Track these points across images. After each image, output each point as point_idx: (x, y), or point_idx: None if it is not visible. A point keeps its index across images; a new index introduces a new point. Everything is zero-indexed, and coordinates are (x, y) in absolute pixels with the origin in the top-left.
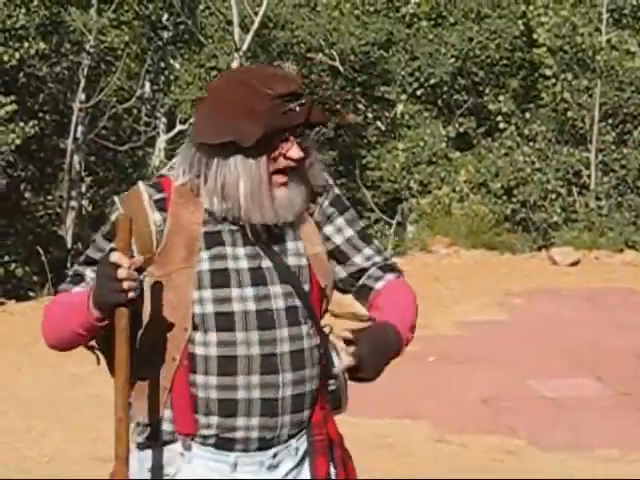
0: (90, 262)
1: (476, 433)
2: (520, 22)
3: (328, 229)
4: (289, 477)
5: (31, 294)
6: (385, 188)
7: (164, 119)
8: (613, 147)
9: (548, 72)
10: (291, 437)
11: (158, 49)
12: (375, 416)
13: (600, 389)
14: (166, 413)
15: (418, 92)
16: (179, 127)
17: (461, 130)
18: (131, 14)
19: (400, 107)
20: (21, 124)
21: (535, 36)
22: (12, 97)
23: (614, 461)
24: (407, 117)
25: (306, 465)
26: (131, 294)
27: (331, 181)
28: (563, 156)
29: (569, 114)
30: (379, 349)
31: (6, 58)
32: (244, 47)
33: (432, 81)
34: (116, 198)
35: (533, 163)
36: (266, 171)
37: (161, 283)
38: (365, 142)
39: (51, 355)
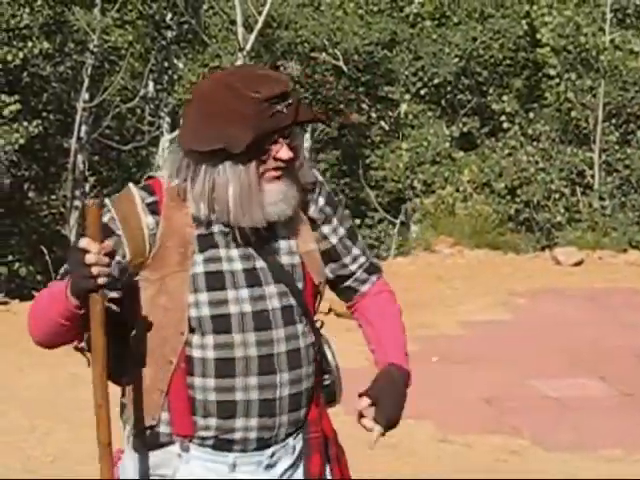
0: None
1: (480, 433)
2: (524, 22)
3: (326, 228)
4: (286, 475)
5: (35, 293)
6: (389, 188)
7: (168, 119)
8: (617, 147)
9: (552, 72)
10: (288, 436)
11: (162, 49)
12: None
13: (604, 389)
14: (163, 415)
15: (422, 92)
16: None
17: (465, 130)
18: (135, 14)
19: (404, 107)
20: (25, 123)
21: (539, 36)
22: (16, 97)
23: (617, 461)
24: (411, 117)
25: (302, 463)
26: (102, 280)
27: (320, 178)
28: (567, 156)
29: (573, 114)
30: (397, 400)
31: (10, 58)
32: (248, 47)
33: (436, 81)
34: (107, 200)
35: (537, 163)
36: (255, 175)
37: (155, 287)
38: (369, 142)
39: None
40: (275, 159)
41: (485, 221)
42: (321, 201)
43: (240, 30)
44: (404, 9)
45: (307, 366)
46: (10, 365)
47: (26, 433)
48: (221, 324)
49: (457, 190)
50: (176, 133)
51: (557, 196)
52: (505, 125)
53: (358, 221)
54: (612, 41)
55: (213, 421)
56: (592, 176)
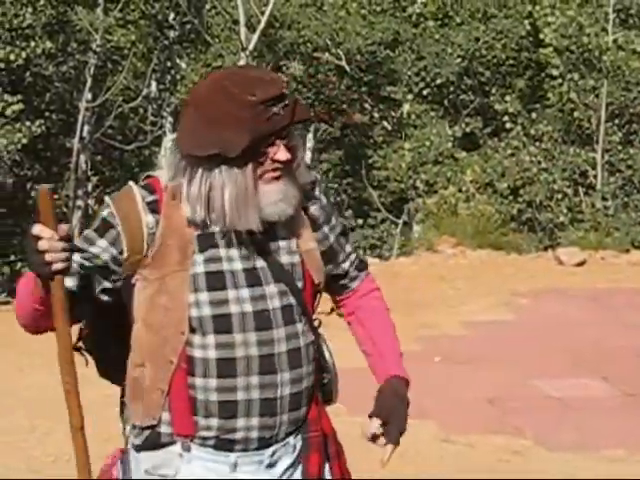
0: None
1: (482, 433)
2: (526, 22)
3: (326, 228)
4: (287, 474)
5: None
6: (391, 188)
7: (170, 118)
8: (619, 147)
9: (554, 72)
10: (289, 435)
11: (164, 48)
12: None
13: (606, 389)
14: (164, 416)
15: (424, 92)
16: None
17: (467, 130)
18: (137, 13)
19: (406, 107)
20: (27, 123)
21: (541, 36)
22: (18, 96)
23: (620, 461)
24: (413, 117)
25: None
26: (58, 265)
27: (318, 176)
28: (569, 156)
29: (575, 114)
30: (405, 414)
31: (13, 57)
32: (250, 47)
33: (438, 81)
34: (107, 197)
35: (539, 163)
36: (252, 178)
37: (155, 286)
38: (371, 142)
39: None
40: (273, 160)
41: (487, 221)
42: (323, 200)
43: (243, 30)
44: (407, 9)
45: (307, 365)
46: (10, 365)
47: (26, 433)
48: (222, 324)
49: (460, 190)
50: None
51: (560, 196)
52: (508, 125)
53: (361, 221)
54: (615, 41)
55: (214, 421)
56: (595, 176)
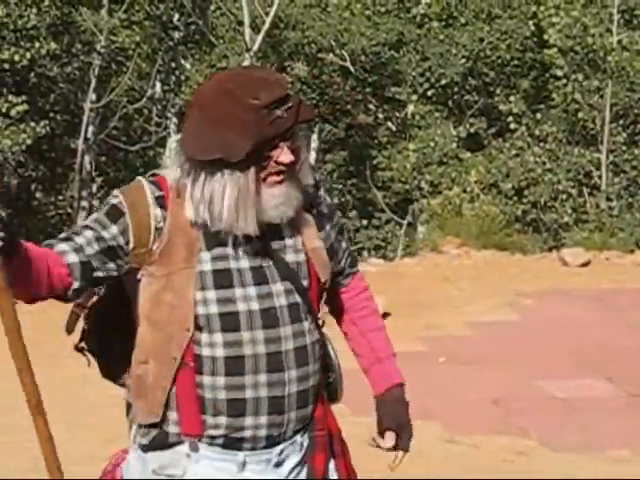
0: (85, 227)
1: (487, 434)
2: (531, 23)
3: (328, 226)
4: (294, 472)
5: None
6: (396, 188)
7: (175, 119)
8: (624, 148)
9: (559, 73)
10: (296, 433)
11: (169, 49)
12: None
13: (611, 390)
14: (172, 415)
15: (429, 92)
16: None
17: (472, 131)
18: (142, 14)
19: (411, 107)
20: (32, 124)
21: (546, 37)
22: (23, 97)
23: (625, 462)
24: (418, 117)
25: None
26: None
27: (319, 177)
28: (574, 157)
29: (580, 115)
30: (410, 420)
31: (17, 58)
32: (255, 47)
33: (443, 81)
34: (116, 190)
35: (544, 164)
36: (254, 182)
37: (161, 283)
38: (376, 142)
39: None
40: (276, 163)
41: (492, 222)
42: (327, 199)
43: (247, 31)
44: (411, 10)
45: (313, 363)
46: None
47: (31, 433)
48: (229, 322)
49: (464, 191)
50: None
51: (564, 197)
52: (512, 126)
53: (365, 222)
54: (619, 42)
55: (223, 419)
56: (599, 177)
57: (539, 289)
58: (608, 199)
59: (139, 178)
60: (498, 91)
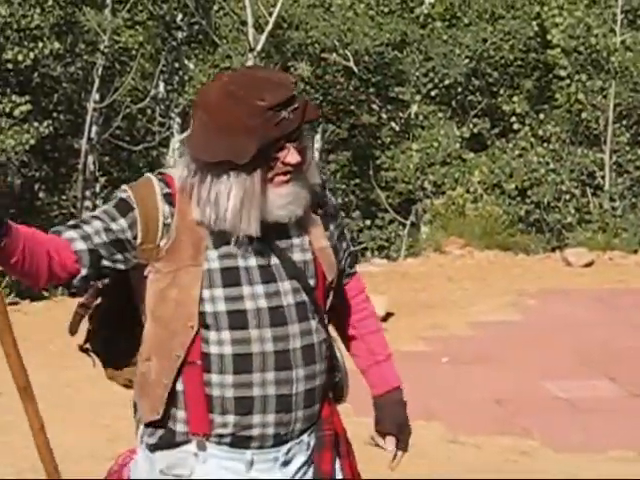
0: (94, 217)
1: (489, 434)
2: (534, 23)
3: (332, 226)
4: (301, 472)
5: (45, 294)
6: (399, 189)
7: (178, 119)
8: (627, 148)
9: (562, 73)
10: (303, 432)
11: (172, 49)
12: None
13: (614, 390)
14: (179, 414)
15: (432, 93)
16: None
17: (475, 131)
18: (145, 14)
19: (414, 108)
20: (35, 124)
21: (549, 37)
22: (26, 97)
23: (628, 462)
24: (421, 118)
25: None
26: None
27: (324, 176)
28: (577, 157)
29: (583, 115)
30: (407, 417)
31: (21, 58)
32: (258, 47)
33: (446, 82)
34: (124, 185)
35: (547, 164)
36: (259, 184)
37: (167, 280)
38: (379, 143)
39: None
40: (283, 164)
41: (495, 222)
42: (332, 199)
43: (251, 31)
44: (414, 10)
45: (320, 362)
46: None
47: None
48: (237, 320)
49: (467, 191)
50: (186, 134)
51: (567, 197)
52: (515, 126)
53: (368, 222)
54: (623, 42)
55: (231, 418)
56: (603, 177)
57: (542, 289)
58: (611, 199)
59: (148, 175)
60: (501, 91)
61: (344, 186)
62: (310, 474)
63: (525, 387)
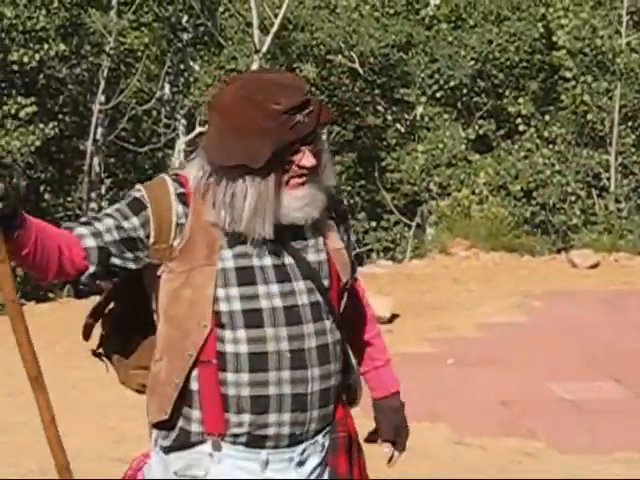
0: (106, 215)
1: (495, 435)
2: (540, 24)
3: (342, 228)
4: (315, 472)
5: (50, 295)
6: (404, 190)
7: (184, 121)
8: (633, 149)
9: (568, 74)
10: (317, 433)
11: (178, 51)
12: None
13: (619, 391)
14: (195, 414)
15: (438, 94)
16: (199, 129)
17: (481, 132)
18: (151, 16)
19: (419, 109)
20: (41, 125)
21: (555, 38)
22: (32, 98)
23: (633, 463)
24: (426, 119)
25: (330, 462)
26: None
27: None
28: (583, 159)
29: (589, 116)
30: (405, 419)
31: (26, 59)
32: (264, 49)
33: (452, 83)
34: (139, 185)
35: (553, 165)
36: (274, 188)
37: (181, 279)
38: (384, 144)
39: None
40: (299, 167)
41: (501, 223)
42: (343, 202)
43: (256, 32)
44: (420, 12)
45: (335, 362)
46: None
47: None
48: (253, 318)
49: (473, 193)
50: (192, 135)
51: (573, 199)
52: (521, 128)
53: (374, 223)
54: (628, 44)
55: (246, 417)
56: (608, 179)
57: (548, 291)
58: (617, 201)
59: (162, 175)
60: (507, 93)
61: (349, 187)
62: (325, 476)
63: (531, 388)
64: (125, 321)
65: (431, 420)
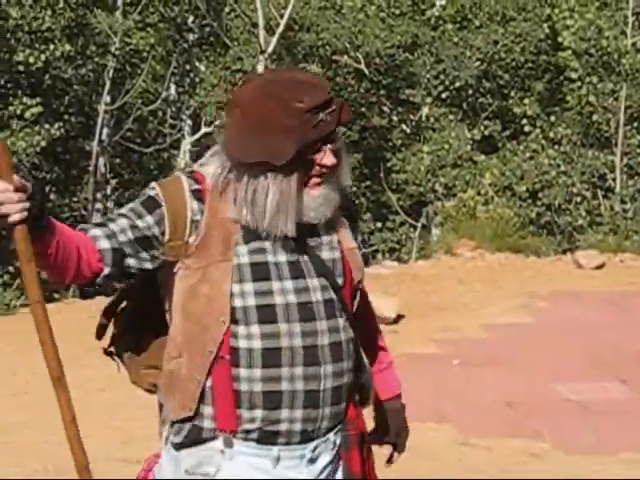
0: (120, 215)
1: (500, 436)
2: (545, 25)
3: (352, 227)
4: (326, 471)
5: (56, 296)
6: (410, 191)
7: (189, 121)
8: (638, 150)
9: (573, 75)
10: (329, 430)
11: (183, 51)
12: None
13: (625, 392)
14: (207, 410)
15: (443, 95)
16: (204, 129)
17: (486, 133)
18: (157, 16)
19: (425, 110)
20: (46, 126)
21: (560, 39)
22: (38, 99)
23: (639, 464)
24: (432, 120)
25: (342, 460)
26: (14, 217)
27: None
28: (588, 159)
29: (594, 117)
30: (405, 421)
31: (32, 60)
32: (269, 49)
33: (457, 84)
34: (154, 183)
35: (558, 166)
36: (296, 186)
37: (198, 275)
38: (390, 145)
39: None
40: (320, 166)
41: (506, 224)
42: (354, 204)
43: (262, 33)
44: (426, 12)
45: (347, 360)
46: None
47: (50, 434)
48: (267, 314)
49: (478, 193)
50: (198, 136)
51: (578, 199)
52: (526, 128)
53: (379, 224)
54: (634, 44)
55: (259, 412)
56: (614, 179)
57: (553, 291)
58: (622, 202)
59: (178, 173)
60: (512, 94)
61: (355, 188)
62: (339, 474)
63: (536, 389)
64: (137, 319)
65: (436, 421)
